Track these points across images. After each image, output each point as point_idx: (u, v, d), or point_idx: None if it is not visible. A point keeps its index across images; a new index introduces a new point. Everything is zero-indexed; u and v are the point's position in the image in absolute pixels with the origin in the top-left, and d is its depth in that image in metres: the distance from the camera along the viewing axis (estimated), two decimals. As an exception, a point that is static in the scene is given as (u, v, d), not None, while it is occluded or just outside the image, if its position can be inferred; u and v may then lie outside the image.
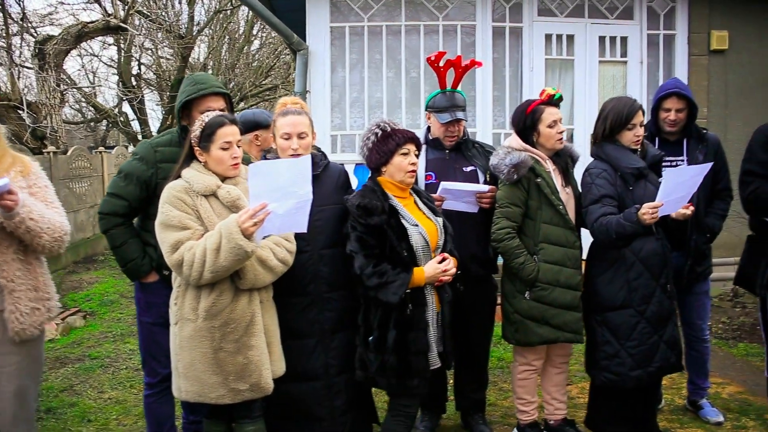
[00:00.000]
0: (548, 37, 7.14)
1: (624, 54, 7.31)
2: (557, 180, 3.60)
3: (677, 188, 3.25)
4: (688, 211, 3.37)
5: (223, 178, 2.94)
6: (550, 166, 3.61)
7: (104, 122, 20.96)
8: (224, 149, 2.89)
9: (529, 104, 3.64)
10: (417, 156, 3.18)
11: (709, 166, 3.43)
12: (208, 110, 3.07)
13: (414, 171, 3.14)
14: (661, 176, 3.57)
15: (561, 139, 3.60)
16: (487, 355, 4.03)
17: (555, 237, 3.53)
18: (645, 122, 4.03)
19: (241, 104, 17.07)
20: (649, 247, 3.43)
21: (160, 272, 3.28)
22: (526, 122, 3.60)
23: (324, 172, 3.31)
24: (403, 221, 3.09)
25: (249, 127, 3.77)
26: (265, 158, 3.34)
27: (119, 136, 23.92)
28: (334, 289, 3.21)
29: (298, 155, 3.08)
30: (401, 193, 3.19)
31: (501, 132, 7.03)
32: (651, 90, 7.27)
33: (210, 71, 17.61)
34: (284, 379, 3.04)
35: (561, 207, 3.52)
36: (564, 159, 3.69)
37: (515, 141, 3.63)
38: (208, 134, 2.88)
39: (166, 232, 2.81)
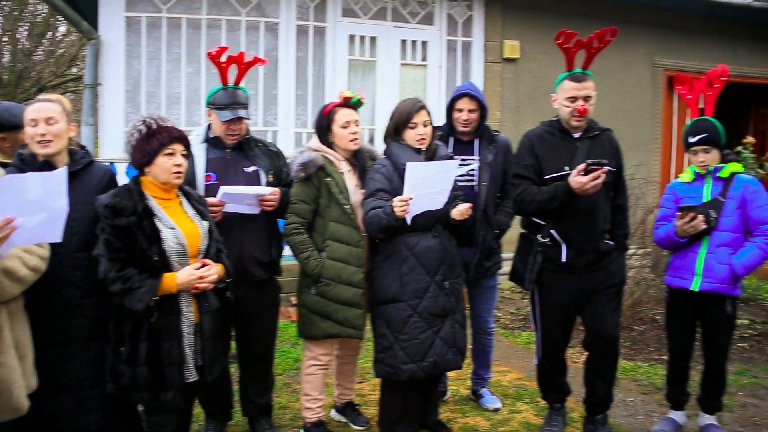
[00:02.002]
0: (352, 37, 7.25)
1: (424, 58, 7.59)
2: (352, 180, 3.66)
3: (424, 183, 3.34)
4: (461, 210, 3.48)
5: None
6: (345, 167, 3.66)
7: None
8: None
9: (326, 106, 3.73)
10: (186, 156, 3.03)
11: (455, 162, 3.57)
12: None
13: (179, 172, 2.98)
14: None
15: (355, 140, 3.67)
16: (271, 359, 3.96)
17: (341, 235, 3.61)
18: (441, 124, 4.21)
19: (41, 94, 15.71)
20: (425, 244, 3.54)
21: None
22: (322, 123, 3.70)
23: (85, 171, 3.07)
24: (158, 223, 2.91)
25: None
26: (20, 155, 3.03)
27: None
28: (89, 294, 2.97)
29: (47, 141, 2.89)
30: (165, 194, 3.01)
31: (303, 131, 7.03)
32: (449, 93, 7.59)
33: (6, 56, 16.07)
34: (34, 392, 2.77)
35: (347, 207, 3.59)
36: (362, 161, 3.76)
37: (315, 141, 3.74)
38: None
39: None
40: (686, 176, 3.94)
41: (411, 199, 3.32)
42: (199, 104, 6.78)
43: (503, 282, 6.97)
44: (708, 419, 4.01)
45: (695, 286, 3.80)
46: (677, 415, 4.08)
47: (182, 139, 3.00)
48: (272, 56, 6.99)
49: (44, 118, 2.95)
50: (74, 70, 17.81)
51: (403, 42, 7.48)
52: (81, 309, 2.98)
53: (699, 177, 3.88)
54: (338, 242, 3.61)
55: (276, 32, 7.03)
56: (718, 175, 3.81)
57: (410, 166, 3.32)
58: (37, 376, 2.82)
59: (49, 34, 17.35)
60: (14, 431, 2.79)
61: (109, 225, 2.84)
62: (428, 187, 3.36)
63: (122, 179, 3.23)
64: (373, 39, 7.34)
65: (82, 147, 3.20)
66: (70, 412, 2.96)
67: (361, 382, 4.73)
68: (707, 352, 3.95)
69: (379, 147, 3.84)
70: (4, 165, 3.42)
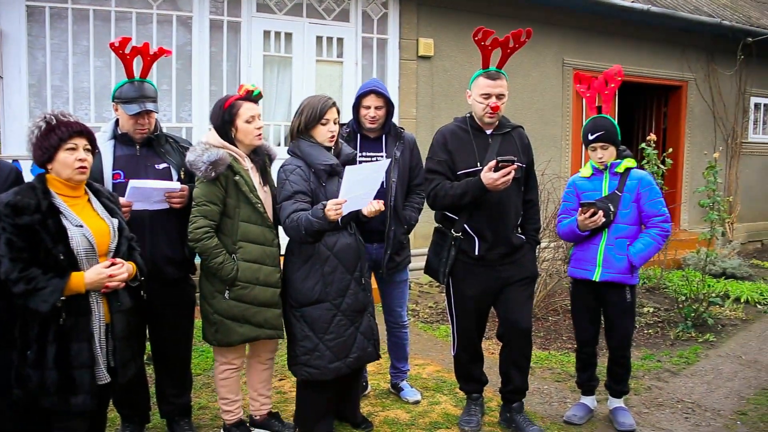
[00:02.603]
0: (267, 33, 7.18)
1: (340, 54, 7.59)
2: (255, 178, 3.57)
3: (358, 185, 3.34)
4: (376, 208, 3.48)
5: None
6: (248, 163, 3.57)
7: None
8: None
9: (226, 99, 3.55)
10: (89, 151, 2.91)
11: (387, 162, 3.63)
12: None
13: (83, 168, 2.85)
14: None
15: (260, 135, 3.58)
16: (188, 358, 3.88)
17: (254, 235, 3.52)
18: (347, 121, 4.21)
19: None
20: (343, 242, 3.55)
21: None
22: (224, 117, 3.51)
23: None
24: (64, 221, 2.79)
25: None
26: None
27: None
28: None
29: None
30: (72, 192, 2.89)
31: (219, 127, 6.90)
32: (366, 90, 7.64)
33: None
34: None
35: (259, 205, 3.51)
36: (262, 157, 3.67)
37: (213, 137, 3.54)
38: None
39: None
40: (585, 171, 4.12)
41: (345, 201, 3.28)
42: (109, 99, 6.52)
43: (421, 277, 7.09)
44: (616, 402, 4.20)
45: (596, 276, 3.98)
46: (588, 400, 4.24)
47: (83, 133, 2.87)
48: (186, 51, 6.83)
49: None
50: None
51: (319, 38, 7.46)
52: None
53: (597, 172, 4.06)
54: (251, 243, 3.50)
55: (189, 26, 6.87)
56: (615, 170, 3.99)
57: (349, 169, 3.27)
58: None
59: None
60: None
61: (11, 224, 2.70)
62: (361, 188, 3.36)
63: (28, 178, 3.08)
64: (288, 35, 7.28)
65: None
66: None
67: (281, 380, 4.70)
68: (610, 340, 4.12)
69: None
70: None
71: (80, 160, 2.84)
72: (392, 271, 4.22)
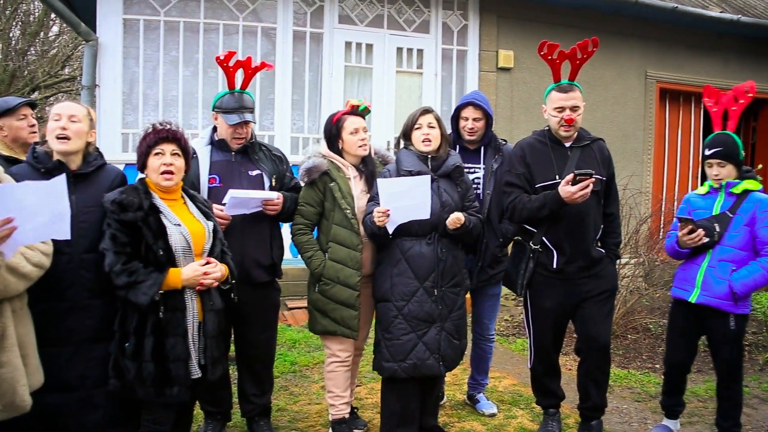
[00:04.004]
0: (348, 44, 7.31)
1: (420, 66, 7.65)
2: (359, 186, 3.77)
3: (400, 196, 3.46)
4: (453, 219, 3.56)
5: None
6: (352, 172, 3.77)
7: None
8: None
9: (335, 114, 3.84)
10: (178, 156, 3.05)
11: (427, 178, 3.57)
12: None
13: (168, 172, 3.01)
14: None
15: (363, 146, 3.78)
16: (271, 360, 3.99)
17: (341, 238, 3.71)
18: (449, 131, 4.24)
19: (35, 94, 15.65)
20: (417, 250, 3.62)
21: None
22: (331, 130, 3.81)
23: (96, 173, 3.09)
24: (164, 220, 2.95)
25: None
26: (34, 151, 3.05)
27: None
28: (96, 295, 2.98)
29: (66, 138, 2.94)
30: (168, 195, 3.06)
31: (299, 136, 7.07)
32: (444, 101, 7.69)
33: (-2, 56, 16.01)
34: (38, 389, 2.78)
35: (348, 211, 3.69)
36: (371, 167, 3.85)
37: (323, 147, 3.86)
38: None
39: None
40: (702, 189, 3.94)
41: (388, 210, 3.47)
42: (196, 107, 6.81)
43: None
44: None
45: (693, 298, 3.81)
46: (671, 423, 4.12)
47: (170, 138, 3.02)
48: (269, 61, 6.97)
49: (68, 114, 2.99)
50: (67, 71, 17.74)
51: (399, 49, 7.54)
52: (88, 310, 2.98)
53: (713, 190, 3.87)
54: (339, 245, 3.72)
55: (273, 38, 7.08)
56: (731, 190, 3.79)
57: (380, 181, 3.53)
58: (44, 373, 2.83)
59: (42, 34, 17.28)
60: (18, 428, 2.80)
61: (116, 220, 2.88)
62: (405, 200, 3.47)
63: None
64: (369, 46, 7.39)
65: (96, 149, 3.21)
66: (72, 410, 2.97)
67: (357, 386, 4.75)
68: (716, 369, 3.94)
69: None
70: (6, 158, 3.46)
71: (165, 164, 2.99)
72: (484, 283, 4.22)
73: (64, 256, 2.89)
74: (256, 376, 3.89)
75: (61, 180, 2.55)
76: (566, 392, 4.14)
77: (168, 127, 3.03)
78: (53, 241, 2.78)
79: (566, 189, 3.55)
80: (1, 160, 3.39)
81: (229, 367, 3.78)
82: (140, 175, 3.10)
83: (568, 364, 5.23)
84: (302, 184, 3.78)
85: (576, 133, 3.83)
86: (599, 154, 3.88)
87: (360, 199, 3.75)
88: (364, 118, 3.83)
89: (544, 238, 3.81)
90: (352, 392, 4.09)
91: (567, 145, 3.83)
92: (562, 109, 3.73)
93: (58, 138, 2.96)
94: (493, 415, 4.36)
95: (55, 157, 2.99)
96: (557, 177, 3.71)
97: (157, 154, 2.99)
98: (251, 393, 3.88)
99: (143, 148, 3.01)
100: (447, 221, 3.58)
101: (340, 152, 3.80)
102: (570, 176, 3.54)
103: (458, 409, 4.49)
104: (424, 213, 3.53)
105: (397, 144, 3.92)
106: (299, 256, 3.80)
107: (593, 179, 3.54)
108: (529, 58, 8.20)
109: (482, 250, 4.12)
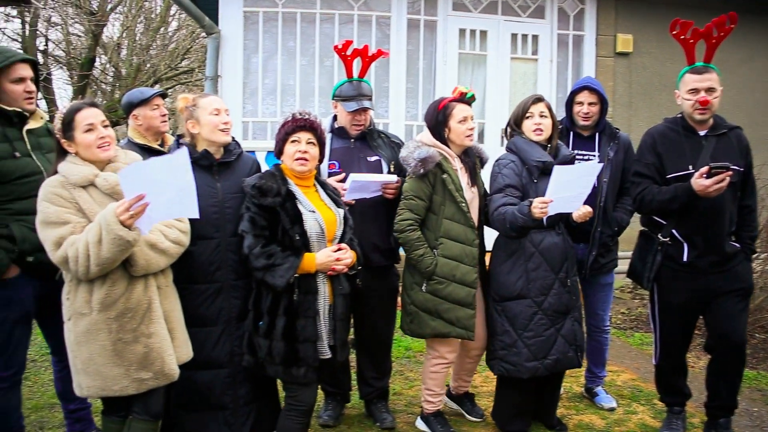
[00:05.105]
0: (462, 31, 7.25)
1: (535, 52, 7.50)
2: (464, 179, 3.65)
3: (567, 186, 3.32)
4: (584, 212, 3.47)
5: (102, 166, 2.84)
6: (457, 164, 3.66)
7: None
8: (88, 131, 2.79)
9: (441, 101, 3.68)
10: (313, 144, 3.15)
11: (600, 166, 3.52)
12: (19, 78, 3.18)
13: (303, 159, 3.11)
14: None
15: (470, 135, 3.65)
16: (389, 344, 4.06)
17: (455, 233, 3.58)
18: (559, 119, 4.16)
19: (156, 86, 16.51)
20: (550, 241, 3.54)
21: (22, 262, 3.14)
22: (437, 118, 3.63)
23: (237, 161, 3.27)
24: (299, 206, 3.07)
25: (125, 110, 3.77)
26: (179, 144, 3.24)
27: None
28: (242, 276, 3.16)
29: (228, 130, 3.16)
30: (302, 182, 3.17)
31: (413, 124, 7.10)
32: (560, 88, 7.50)
33: (124, 51, 16.97)
34: (189, 366, 2.99)
35: (464, 204, 3.58)
36: (472, 159, 3.75)
37: (426, 136, 3.68)
38: (67, 123, 2.79)
39: (47, 230, 2.69)
40: None
41: (551, 201, 3.31)
42: (313, 96, 6.97)
43: (614, 282, 6.82)
44: None
45: None
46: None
47: (307, 127, 3.14)
48: (383, 50, 7.06)
49: (225, 108, 3.20)
50: (185, 63, 18.57)
51: (514, 36, 7.41)
52: (235, 290, 3.17)
53: None
54: (452, 240, 3.58)
55: (387, 26, 7.12)
56: None
57: (557, 168, 3.30)
58: (195, 351, 3.04)
59: (162, 29, 18.15)
60: (168, 402, 3.04)
61: (255, 204, 3.02)
62: (569, 190, 3.35)
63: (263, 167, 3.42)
64: (483, 33, 7.31)
65: (233, 138, 3.38)
66: (223, 385, 3.17)
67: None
68: None
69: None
70: (140, 146, 3.69)
71: (300, 152, 3.10)
72: (596, 272, 4.11)
73: (213, 241, 3.10)
74: (375, 360, 3.97)
75: (183, 153, 2.67)
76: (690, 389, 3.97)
77: (306, 116, 3.14)
78: (201, 227, 2.96)
79: (700, 182, 3.38)
80: (137, 147, 3.62)
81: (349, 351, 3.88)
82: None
83: (691, 360, 5.00)
84: (411, 175, 3.56)
85: (711, 120, 3.64)
86: (737, 142, 3.67)
87: (466, 192, 3.61)
88: (470, 106, 3.69)
89: (674, 231, 3.65)
90: (469, 382, 4.08)
91: (701, 133, 3.64)
92: (696, 91, 3.54)
93: (222, 130, 3.15)
94: (612, 409, 4.26)
95: (220, 144, 3.19)
96: (690, 167, 3.53)
97: (293, 141, 3.12)
98: (370, 376, 3.97)
99: (281, 135, 3.14)
100: (575, 214, 3.48)
101: (444, 141, 3.64)
102: (705, 169, 3.37)
103: (575, 401, 4.41)
104: (578, 203, 3.44)
105: (505, 132, 3.85)
106: (405, 254, 3.63)
107: (730, 172, 3.35)
108: (649, 42, 7.86)
109: (595, 239, 4.00)
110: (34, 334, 3.66)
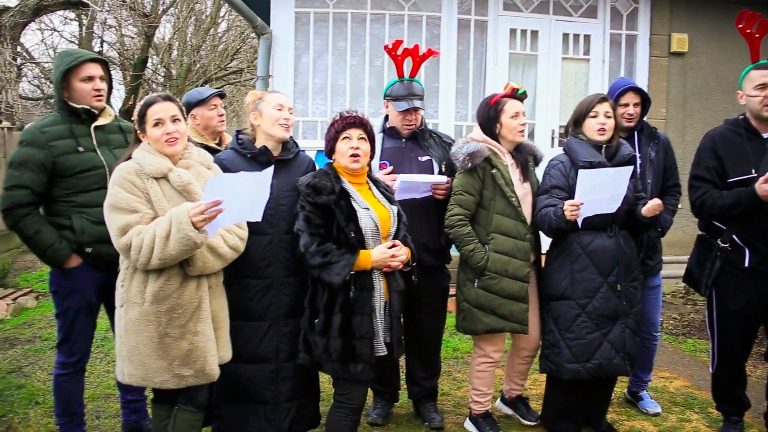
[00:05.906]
0: (513, 31, 7.18)
1: (587, 52, 7.39)
2: (515, 174, 3.63)
3: (597, 189, 3.30)
4: (653, 206, 3.42)
5: (176, 160, 2.90)
6: (508, 160, 3.65)
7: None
8: (156, 126, 2.85)
9: (492, 97, 3.69)
10: (365, 140, 3.16)
11: (630, 168, 3.43)
12: (88, 76, 3.29)
13: (355, 155, 3.12)
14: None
15: (522, 131, 3.65)
16: (439, 344, 4.06)
17: (506, 228, 3.58)
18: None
19: (206, 86, 16.79)
20: (599, 243, 3.48)
21: (81, 253, 3.24)
22: (489, 113, 3.64)
23: (294, 160, 3.32)
24: (353, 203, 3.08)
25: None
26: (238, 138, 3.28)
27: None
28: (293, 274, 3.19)
29: (289, 126, 3.21)
30: (355, 179, 3.19)
31: (463, 124, 7.07)
32: (612, 89, 7.36)
33: (175, 52, 17.31)
34: (234, 359, 3.04)
35: (514, 199, 3.56)
36: (524, 156, 3.72)
37: (477, 133, 3.69)
38: (141, 115, 2.87)
39: (115, 215, 2.75)
40: None
41: (581, 204, 3.31)
42: (362, 96, 7.00)
43: (664, 285, 6.68)
44: None
45: None
46: None
47: (357, 124, 3.15)
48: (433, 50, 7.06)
49: (288, 107, 3.25)
50: (234, 63, 18.85)
51: (565, 36, 7.31)
52: (285, 287, 3.21)
53: None
54: (503, 235, 3.57)
55: (437, 26, 7.10)
56: None
57: (582, 173, 3.31)
58: (240, 345, 3.09)
59: (212, 30, 18.44)
60: (210, 394, 3.08)
61: (310, 203, 3.04)
62: (600, 192, 3.33)
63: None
64: (534, 33, 7.23)
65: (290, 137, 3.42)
66: (267, 380, 3.21)
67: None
68: None
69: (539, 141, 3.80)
70: (201, 146, 3.74)
71: (353, 148, 3.12)
72: (645, 275, 4.03)
73: (266, 237, 3.14)
74: (424, 360, 3.97)
75: (270, 171, 2.72)
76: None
77: (355, 114, 3.15)
78: (256, 223, 2.98)
79: (765, 187, 3.29)
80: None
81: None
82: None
83: (749, 369, 4.86)
84: (460, 170, 3.58)
85: None
86: None
87: (518, 188, 3.61)
88: (522, 103, 3.69)
89: (734, 236, 3.56)
90: (522, 385, 4.05)
91: (765, 136, 3.53)
92: (764, 86, 3.44)
93: (282, 125, 3.19)
94: (656, 415, 4.19)
95: (277, 140, 3.22)
96: (753, 171, 3.44)
97: (345, 138, 3.14)
98: (419, 376, 3.97)
99: (331, 133, 3.16)
100: (645, 208, 3.44)
101: (495, 137, 3.65)
102: None
103: (625, 406, 4.35)
104: (613, 206, 3.40)
105: (566, 131, 3.81)
106: (456, 249, 3.66)
107: None
108: (704, 42, 7.66)
109: (642, 240, 3.93)
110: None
